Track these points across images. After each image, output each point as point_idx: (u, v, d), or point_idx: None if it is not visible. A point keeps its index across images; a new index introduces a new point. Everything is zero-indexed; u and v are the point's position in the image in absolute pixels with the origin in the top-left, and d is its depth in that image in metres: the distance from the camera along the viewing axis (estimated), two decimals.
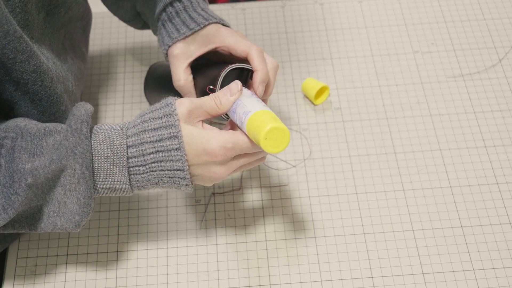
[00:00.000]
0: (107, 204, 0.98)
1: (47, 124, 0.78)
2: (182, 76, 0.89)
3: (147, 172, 0.78)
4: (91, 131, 0.78)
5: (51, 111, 0.83)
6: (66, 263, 0.93)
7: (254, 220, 0.96)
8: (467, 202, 0.97)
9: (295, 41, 1.16)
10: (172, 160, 0.77)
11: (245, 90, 0.81)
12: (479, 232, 0.94)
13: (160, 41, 0.93)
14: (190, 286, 0.91)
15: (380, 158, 1.02)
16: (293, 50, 1.15)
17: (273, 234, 0.95)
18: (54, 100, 0.82)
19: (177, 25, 0.90)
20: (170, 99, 0.78)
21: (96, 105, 1.08)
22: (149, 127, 0.77)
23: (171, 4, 0.91)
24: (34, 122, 0.78)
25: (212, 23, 0.89)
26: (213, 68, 0.87)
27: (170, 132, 0.76)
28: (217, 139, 0.76)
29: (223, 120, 0.83)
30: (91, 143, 0.76)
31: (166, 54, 0.91)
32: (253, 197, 0.98)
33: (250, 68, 0.85)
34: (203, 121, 0.80)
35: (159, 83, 1.02)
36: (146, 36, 1.17)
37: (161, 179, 0.78)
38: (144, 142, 0.77)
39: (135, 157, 0.77)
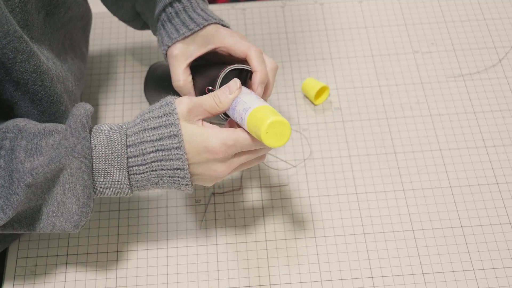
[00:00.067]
0: (107, 204, 0.98)
1: (47, 124, 0.78)
2: (181, 77, 0.89)
3: (146, 171, 0.78)
4: (90, 131, 0.78)
5: (51, 111, 0.83)
6: (66, 263, 0.93)
7: (254, 220, 0.96)
8: (467, 202, 0.97)
9: (295, 41, 1.16)
10: (172, 159, 0.77)
11: (244, 88, 0.81)
12: (479, 232, 0.94)
13: (159, 42, 0.93)
14: (190, 286, 0.91)
15: (380, 158, 1.02)
16: (293, 50, 1.15)
17: (273, 234, 0.95)
18: (54, 100, 0.82)
19: (176, 26, 0.90)
20: (170, 98, 0.78)
21: (96, 105, 1.08)
22: (149, 126, 0.77)
23: (170, 4, 0.91)
24: (33, 122, 0.78)
25: (211, 23, 0.89)
26: (213, 69, 0.87)
27: (170, 131, 0.76)
28: (218, 137, 0.76)
29: (222, 121, 0.83)
30: (90, 142, 0.76)
31: (166, 54, 0.91)
32: (253, 197, 0.98)
33: (249, 69, 0.85)
34: (203, 120, 0.80)
35: (159, 83, 1.02)
36: (146, 36, 1.17)
37: (161, 179, 0.78)
38: (144, 141, 0.77)
39: (134, 156, 0.77)
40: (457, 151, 1.02)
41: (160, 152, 0.77)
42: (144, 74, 1.12)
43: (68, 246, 0.94)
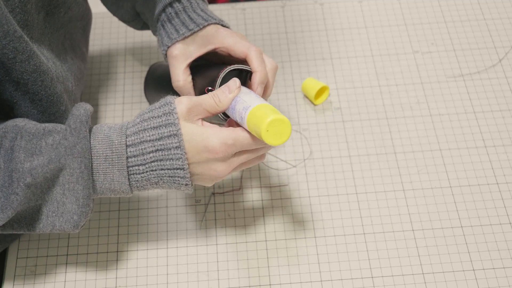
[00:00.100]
0: (107, 204, 0.98)
1: (46, 124, 0.78)
2: (181, 77, 0.89)
3: (146, 171, 0.78)
4: (90, 131, 0.78)
5: (51, 111, 0.83)
6: (66, 263, 0.93)
7: (254, 220, 0.96)
8: (467, 202, 0.97)
9: (295, 41, 1.16)
10: (172, 158, 0.77)
11: (243, 88, 0.81)
12: (479, 232, 0.94)
13: (159, 42, 0.93)
14: (190, 286, 0.91)
15: (380, 158, 1.02)
16: (293, 50, 1.15)
17: (273, 234, 0.95)
18: (54, 100, 0.82)
19: (176, 26, 0.90)
20: (169, 97, 0.78)
21: (96, 105, 1.08)
22: (149, 126, 0.77)
23: (170, 5, 0.91)
24: (33, 122, 0.78)
25: (211, 24, 0.89)
26: (212, 69, 0.87)
27: (169, 131, 0.76)
28: (218, 136, 0.76)
29: (222, 121, 0.83)
30: (90, 142, 0.76)
31: (165, 54, 0.91)
32: (253, 197, 0.98)
33: (249, 69, 0.85)
34: (203, 119, 0.80)
35: (159, 83, 1.02)
36: (146, 36, 1.17)
37: (160, 179, 0.78)
38: (143, 141, 0.77)
39: (134, 156, 0.77)
40: (457, 151, 1.02)
41: (160, 152, 0.77)
42: (144, 74, 1.12)
43: (68, 246, 0.94)
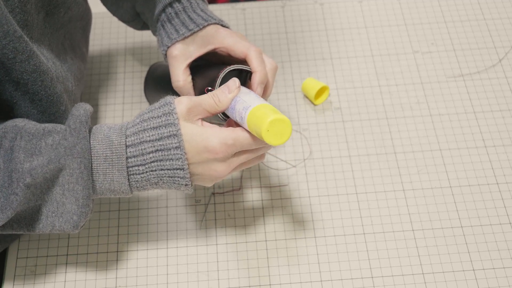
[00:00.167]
0: (107, 204, 0.98)
1: (46, 125, 0.78)
2: (181, 77, 0.89)
3: (146, 171, 0.78)
4: (90, 131, 0.78)
5: (51, 111, 0.83)
6: (66, 263, 0.93)
7: (254, 220, 0.96)
8: (467, 202, 0.97)
9: (295, 41, 1.16)
10: (171, 159, 0.77)
11: (243, 88, 0.81)
12: (479, 232, 0.94)
13: (159, 42, 0.93)
14: (190, 286, 0.91)
15: (380, 158, 1.02)
16: (293, 50, 1.15)
17: (273, 234, 0.95)
18: (54, 100, 0.82)
19: (176, 26, 0.90)
20: (169, 98, 0.78)
21: (96, 105, 1.08)
22: (149, 126, 0.77)
23: (170, 5, 0.91)
24: (33, 122, 0.78)
25: (211, 24, 0.89)
26: (212, 69, 0.87)
27: (169, 131, 0.76)
28: (218, 136, 0.76)
29: (222, 121, 0.83)
30: (89, 142, 0.76)
31: (165, 55, 0.91)
32: (253, 197, 0.98)
33: (249, 69, 0.85)
34: (202, 119, 0.80)
35: (159, 83, 1.02)
36: (146, 36, 1.17)
37: (160, 179, 0.78)
38: (143, 141, 0.77)
39: (134, 156, 0.77)
40: (457, 151, 1.02)
41: (160, 152, 0.77)
42: (144, 74, 1.12)
43: (68, 246, 0.94)
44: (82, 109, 0.77)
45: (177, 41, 0.90)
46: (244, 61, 0.86)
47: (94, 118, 1.07)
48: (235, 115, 0.78)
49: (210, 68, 0.88)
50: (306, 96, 1.09)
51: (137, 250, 0.94)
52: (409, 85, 1.10)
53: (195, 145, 0.77)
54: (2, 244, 0.92)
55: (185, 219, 0.97)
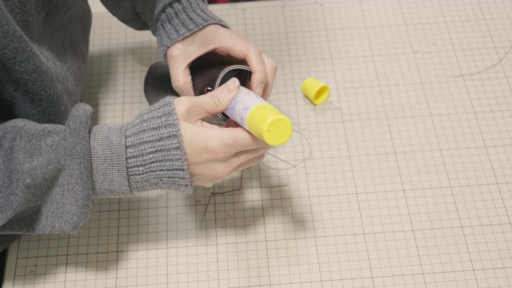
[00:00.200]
0: (107, 204, 0.98)
1: (46, 125, 0.78)
2: (180, 77, 0.89)
3: (146, 172, 0.78)
4: (90, 132, 0.78)
5: (51, 111, 0.83)
6: (66, 263, 0.93)
7: (254, 220, 0.96)
8: (467, 202, 0.97)
9: (295, 41, 1.16)
10: (171, 159, 0.77)
11: (243, 88, 0.81)
12: (479, 232, 0.94)
13: (159, 42, 0.93)
14: (190, 286, 0.91)
15: (380, 158, 1.02)
16: (293, 50, 1.15)
17: (273, 234, 0.95)
18: (54, 100, 0.82)
19: (176, 26, 0.90)
20: (169, 98, 0.78)
21: (96, 105, 1.08)
22: (148, 127, 0.77)
23: (170, 5, 0.91)
24: (32, 122, 0.78)
25: (211, 24, 0.89)
26: (212, 69, 0.87)
27: (169, 131, 0.76)
28: (217, 136, 0.76)
29: (221, 121, 0.83)
30: (89, 143, 0.76)
31: (165, 55, 0.91)
32: (253, 197, 0.98)
33: (249, 69, 0.85)
34: (202, 120, 0.80)
35: (159, 83, 1.02)
36: (146, 36, 1.17)
37: (160, 180, 0.78)
38: (143, 141, 0.77)
39: (134, 157, 0.77)
40: (457, 151, 1.02)
41: (160, 153, 0.77)
42: (144, 74, 1.12)
43: (68, 246, 0.94)
44: (82, 109, 0.77)
45: (177, 41, 0.90)
46: (244, 61, 0.86)
47: (94, 118, 1.07)
48: (234, 115, 0.78)
49: (209, 68, 0.88)
50: (306, 96, 1.09)
51: (137, 250, 0.94)
52: (409, 85, 1.10)
53: (195, 145, 0.77)
54: (2, 244, 0.92)
55: (185, 219, 0.97)
